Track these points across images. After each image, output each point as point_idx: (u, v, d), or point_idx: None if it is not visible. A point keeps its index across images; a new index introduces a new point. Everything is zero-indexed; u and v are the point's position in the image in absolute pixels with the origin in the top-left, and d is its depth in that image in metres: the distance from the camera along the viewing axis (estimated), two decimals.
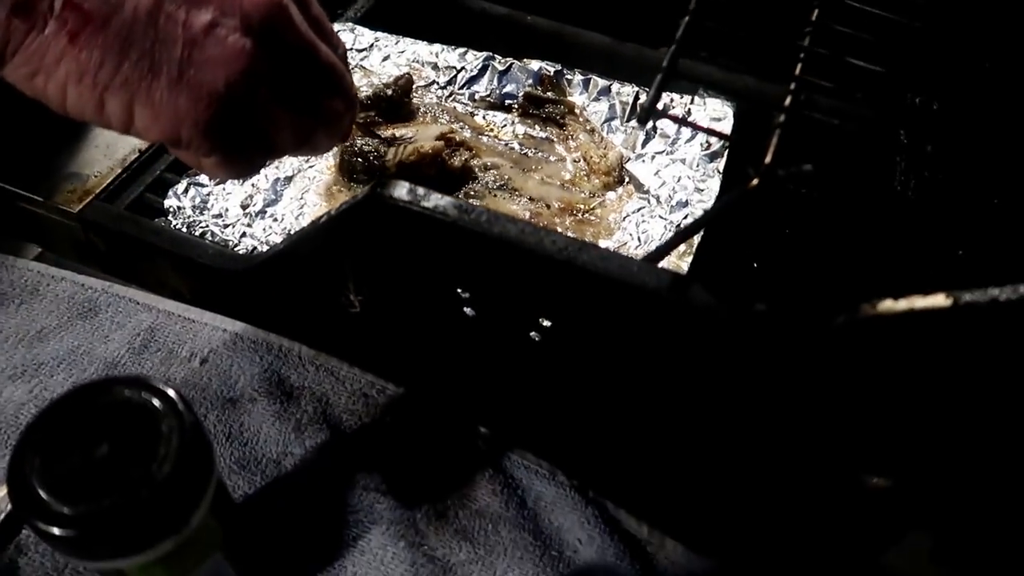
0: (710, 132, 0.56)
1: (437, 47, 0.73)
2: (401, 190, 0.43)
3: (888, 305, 0.31)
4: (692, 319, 0.40)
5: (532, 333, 0.46)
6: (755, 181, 0.37)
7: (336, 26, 0.74)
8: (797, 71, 0.41)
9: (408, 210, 0.43)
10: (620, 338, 0.45)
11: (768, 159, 0.37)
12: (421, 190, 0.43)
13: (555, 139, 0.67)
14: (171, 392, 0.32)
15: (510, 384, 0.50)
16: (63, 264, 0.57)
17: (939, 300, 0.30)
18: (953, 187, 0.42)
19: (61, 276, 0.54)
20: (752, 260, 0.59)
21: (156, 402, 0.31)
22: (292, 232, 0.58)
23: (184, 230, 0.58)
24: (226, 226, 0.58)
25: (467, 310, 0.47)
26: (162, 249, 0.56)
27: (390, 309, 0.51)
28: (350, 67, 0.57)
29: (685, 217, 0.59)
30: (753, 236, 0.42)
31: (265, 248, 0.57)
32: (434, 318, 0.49)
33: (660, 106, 0.67)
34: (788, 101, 0.40)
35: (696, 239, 0.57)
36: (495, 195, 0.62)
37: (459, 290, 0.46)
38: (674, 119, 0.56)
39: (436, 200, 0.43)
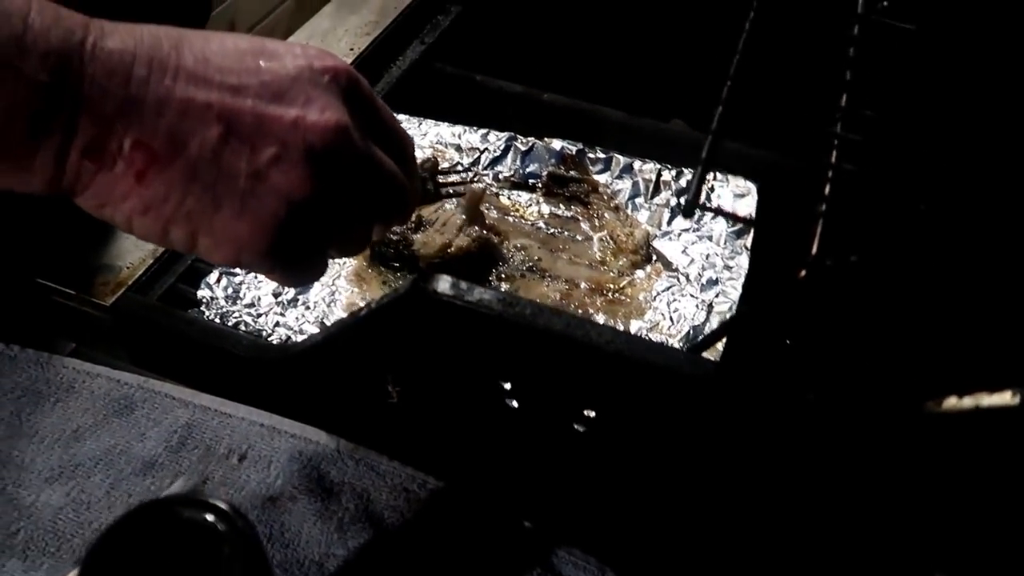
0: (743, 221, 0.56)
1: (459, 128, 0.74)
2: (445, 284, 0.43)
3: (953, 402, 0.31)
4: (741, 410, 0.40)
5: (576, 424, 0.46)
6: (803, 272, 0.37)
7: None
8: (832, 158, 0.42)
9: (452, 304, 0.43)
10: (667, 427, 0.44)
11: (814, 249, 0.38)
12: (464, 284, 0.43)
13: (580, 218, 0.67)
14: (230, 510, 0.32)
15: (554, 476, 0.49)
16: (98, 359, 0.56)
17: (1006, 398, 0.30)
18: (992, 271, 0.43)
19: (96, 372, 0.54)
20: (785, 337, 0.59)
21: (217, 522, 0.31)
22: (325, 320, 0.58)
23: (217, 321, 0.58)
24: (259, 316, 0.58)
25: (510, 401, 0.47)
26: (196, 341, 0.56)
27: (430, 400, 0.51)
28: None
29: (716, 295, 0.59)
30: (794, 321, 0.42)
31: (299, 337, 0.57)
32: (475, 409, 0.49)
33: (684, 183, 0.68)
34: (827, 190, 0.40)
35: (729, 317, 0.57)
36: (525, 277, 0.62)
37: (502, 382, 0.46)
38: (716, 211, 0.57)
39: (480, 294, 0.43)
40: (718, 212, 0.56)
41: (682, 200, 0.67)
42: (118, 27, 0.33)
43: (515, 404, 0.47)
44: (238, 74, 0.35)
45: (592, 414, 0.45)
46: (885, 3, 0.50)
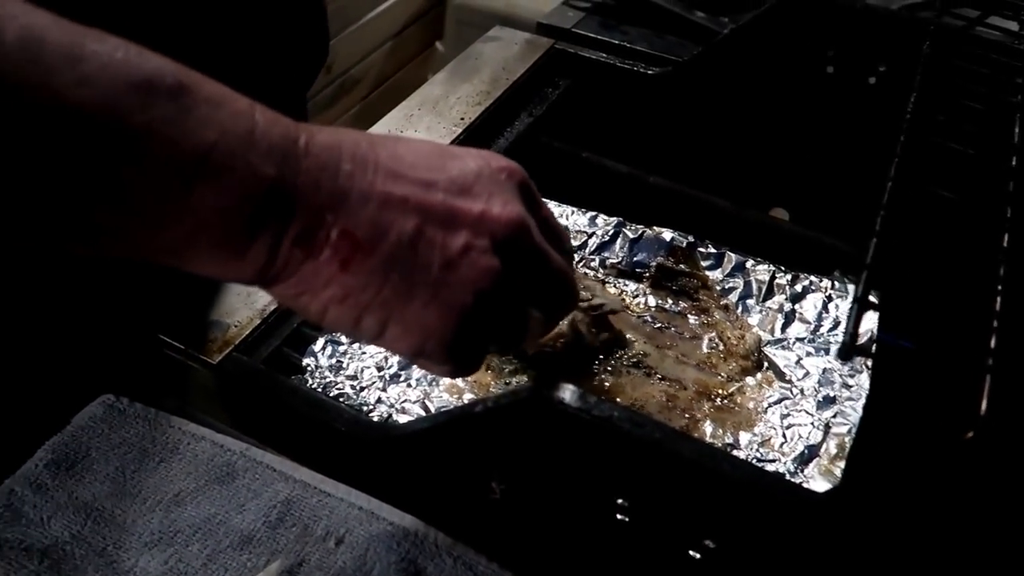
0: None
1: (567, 209, 0.73)
2: (571, 396, 0.42)
3: None
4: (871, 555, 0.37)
5: (693, 551, 0.44)
6: (970, 434, 0.35)
7: None
8: (996, 307, 0.40)
9: (576, 417, 0.42)
10: (795, 569, 0.42)
11: (983, 409, 0.35)
12: (591, 398, 0.42)
13: (688, 314, 0.66)
14: None
15: None
16: (201, 420, 0.57)
17: None
18: None
19: (201, 435, 0.54)
20: (906, 457, 0.56)
21: None
22: (426, 401, 0.57)
23: (320, 391, 0.58)
24: (361, 389, 0.58)
25: (622, 517, 0.45)
26: (296, 411, 0.56)
27: (535, 502, 0.49)
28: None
29: (834, 415, 0.56)
30: (956, 487, 0.39)
31: (400, 416, 0.56)
32: (584, 519, 0.47)
33: (800, 288, 0.66)
34: (994, 343, 0.38)
35: (848, 443, 0.55)
36: (631, 374, 0.60)
37: (617, 498, 0.44)
38: (870, 355, 0.54)
39: (609, 410, 0.41)
40: (868, 354, 0.52)
41: (797, 307, 0.65)
42: (323, 128, 0.36)
43: (627, 520, 0.45)
44: (428, 171, 0.37)
45: (712, 544, 0.43)
46: None
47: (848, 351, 0.38)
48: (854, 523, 0.37)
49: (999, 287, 0.40)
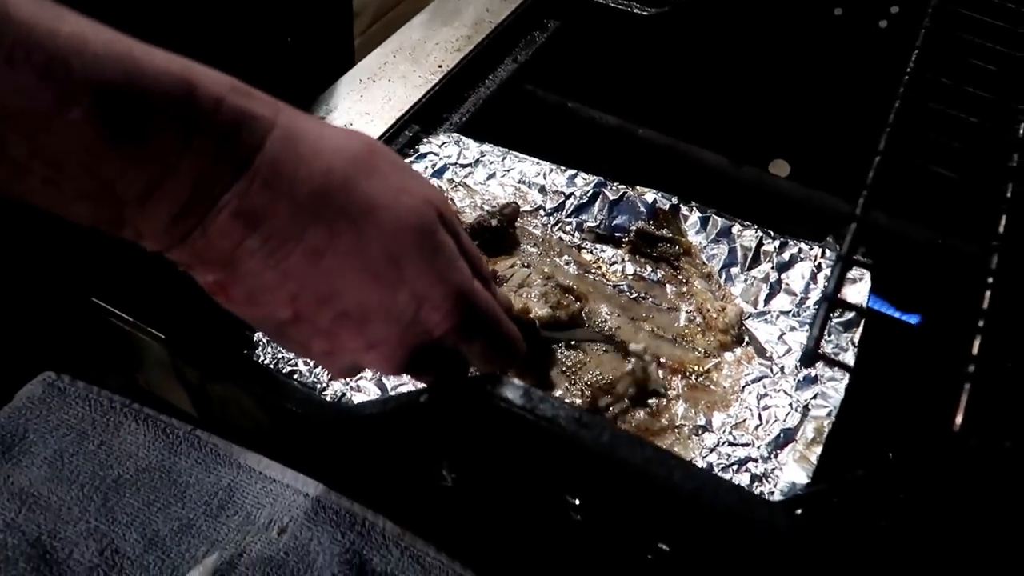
0: (854, 309, 0.50)
1: (545, 167, 0.69)
2: (515, 393, 0.39)
3: None
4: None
5: (648, 554, 0.41)
6: (940, 450, 0.31)
7: (441, 136, 0.72)
8: (985, 303, 0.35)
9: (521, 417, 0.38)
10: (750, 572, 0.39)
11: (957, 422, 0.32)
12: (537, 394, 0.39)
13: (667, 283, 0.62)
14: None
15: None
16: (148, 395, 0.54)
17: None
18: None
19: (145, 414, 0.51)
20: (888, 450, 0.52)
21: None
22: (383, 378, 0.55)
23: (272, 366, 0.55)
24: (315, 365, 0.55)
25: (575, 514, 0.43)
26: (248, 387, 0.54)
27: (487, 493, 0.46)
28: (454, 183, 0.56)
29: (814, 397, 0.53)
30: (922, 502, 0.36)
31: (355, 394, 0.54)
32: (536, 514, 0.45)
33: (787, 256, 0.62)
34: (976, 347, 0.34)
35: (826, 427, 0.51)
36: (601, 348, 0.57)
37: (569, 497, 0.42)
38: (842, 366, 0.50)
39: (554, 410, 0.38)
40: (835, 364, 0.47)
41: (783, 277, 0.60)
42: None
43: (579, 518, 0.42)
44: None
45: (666, 547, 0.40)
46: None
47: (809, 358, 0.34)
48: (816, 539, 0.34)
49: (993, 262, 0.36)
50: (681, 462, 0.36)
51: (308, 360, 0.55)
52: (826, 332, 0.56)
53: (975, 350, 0.33)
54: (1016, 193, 0.38)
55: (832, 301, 0.34)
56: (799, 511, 0.35)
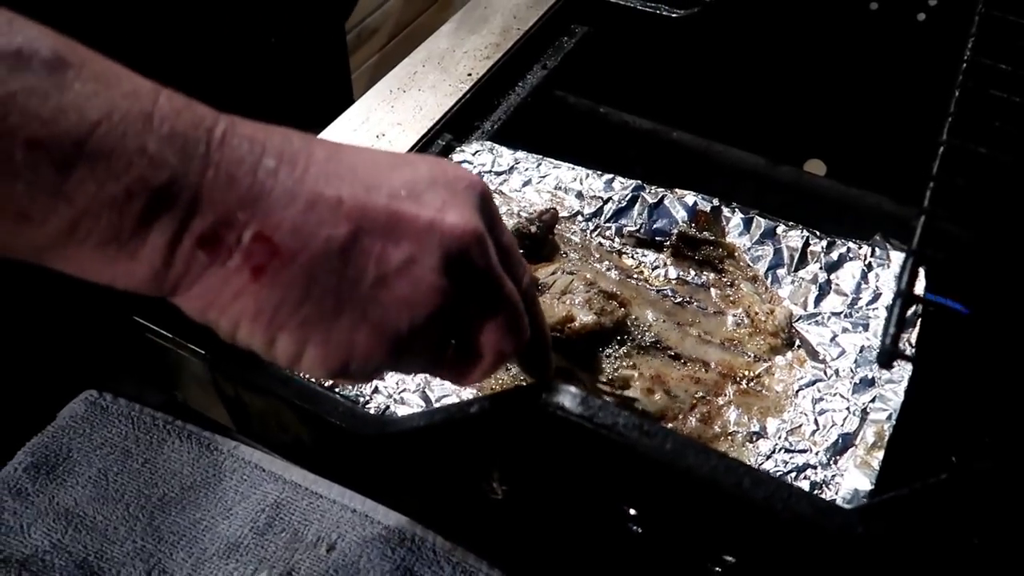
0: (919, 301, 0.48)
1: (581, 172, 0.68)
2: (573, 401, 0.38)
3: None
4: None
5: (712, 565, 0.40)
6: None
7: (474, 145, 0.71)
8: None
9: (579, 426, 0.37)
10: None
11: None
12: (595, 402, 0.37)
13: (712, 287, 0.60)
14: None
15: None
16: (190, 412, 0.54)
17: None
18: None
19: (188, 432, 0.51)
20: (951, 455, 0.50)
21: None
22: (426, 390, 0.54)
23: (312, 381, 0.54)
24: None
25: (633, 526, 0.41)
26: (289, 402, 0.53)
27: (540, 506, 0.45)
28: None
29: (872, 400, 0.51)
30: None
31: (399, 407, 0.53)
32: (591, 527, 0.43)
33: (836, 255, 0.60)
34: None
35: (887, 431, 0.50)
36: (648, 355, 0.55)
37: (627, 507, 0.40)
38: (910, 359, 0.48)
39: (614, 417, 0.37)
40: (912, 360, 0.46)
41: (832, 278, 0.59)
42: (248, 122, 0.30)
43: (639, 530, 0.41)
44: (372, 172, 0.32)
45: (732, 559, 0.39)
46: None
47: (887, 357, 0.32)
48: (888, 540, 0.32)
49: None
50: (750, 469, 0.35)
51: None
52: (879, 331, 0.54)
53: None
54: None
55: (908, 296, 0.33)
56: (878, 519, 0.33)
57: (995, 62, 0.43)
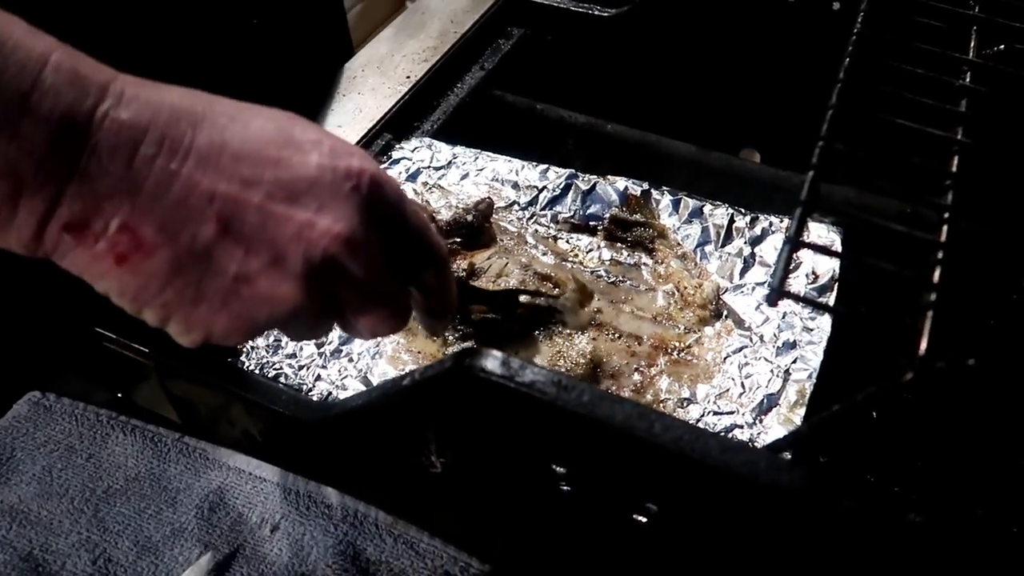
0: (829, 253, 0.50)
1: (517, 164, 0.70)
2: (494, 363, 0.39)
3: None
4: (828, 526, 0.35)
5: (636, 515, 0.41)
6: (909, 375, 0.32)
7: (413, 142, 0.73)
8: (942, 236, 0.36)
9: (502, 386, 0.39)
10: (742, 530, 0.39)
11: (922, 349, 0.32)
12: (516, 363, 0.39)
13: (644, 265, 0.63)
14: None
15: (611, 567, 0.45)
16: (138, 411, 0.54)
17: None
18: None
19: (132, 425, 0.52)
20: (870, 411, 0.53)
21: None
22: (368, 375, 0.55)
23: (257, 371, 0.55)
24: (300, 368, 0.55)
25: (563, 485, 0.43)
26: (235, 393, 0.54)
27: (475, 474, 0.47)
28: (428, 185, 0.54)
29: (794, 361, 0.54)
30: (894, 428, 0.36)
31: (341, 392, 0.54)
32: (525, 490, 0.45)
33: (759, 230, 0.63)
34: (937, 276, 0.35)
35: (808, 389, 0.52)
36: (584, 332, 0.57)
37: (556, 466, 0.42)
38: (807, 301, 0.51)
39: (532, 375, 0.39)
40: (805, 301, 0.49)
41: (756, 251, 0.61)
42: (140, 94, 0.31)
43: (568, 488, 0.43)
44: (254, 164, 0.32)
45: (654, 507, 0.40)
46: (1001, 48, 0.44)
47: (774, 296, 0.35)
48: (790, 473, 0.34)
49: (945, 215, 0.37)
50: (661, 415, 0.37)
51: (293, 362, 0.55)
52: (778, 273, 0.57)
53: (935, 279, 0.34)
54: (966, 134, 0.40)
55: (795, 243, 0.35)
56: (785, 454, 0.35)
57: (881, 33, 0.46)
